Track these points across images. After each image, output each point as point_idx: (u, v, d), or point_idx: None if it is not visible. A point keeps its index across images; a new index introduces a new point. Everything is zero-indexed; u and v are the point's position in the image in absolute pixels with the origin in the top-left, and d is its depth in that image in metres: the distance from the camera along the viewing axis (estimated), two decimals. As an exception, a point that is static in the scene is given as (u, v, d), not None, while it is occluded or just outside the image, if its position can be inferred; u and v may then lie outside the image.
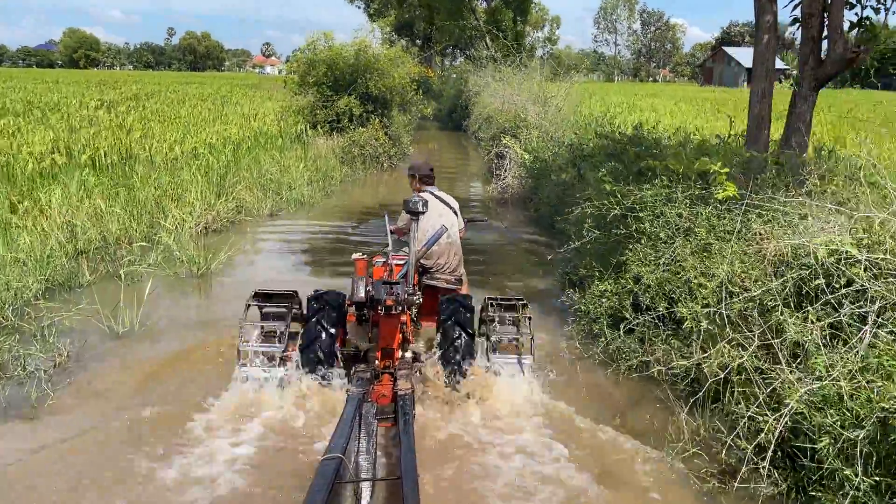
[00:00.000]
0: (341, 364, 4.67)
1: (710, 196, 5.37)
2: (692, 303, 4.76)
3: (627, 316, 5.22)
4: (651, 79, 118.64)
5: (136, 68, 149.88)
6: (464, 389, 4.61)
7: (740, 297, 4.61)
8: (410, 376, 4.48)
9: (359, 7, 53.32)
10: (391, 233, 5.64)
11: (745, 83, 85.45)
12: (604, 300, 5.38)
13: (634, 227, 5.35)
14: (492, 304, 4.98)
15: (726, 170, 5.11)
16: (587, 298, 5.54)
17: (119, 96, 26.75)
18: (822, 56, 6.99)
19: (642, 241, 5.40)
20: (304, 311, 4.88)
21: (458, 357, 4.63)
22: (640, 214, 5.30)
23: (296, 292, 4.99)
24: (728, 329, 4.53)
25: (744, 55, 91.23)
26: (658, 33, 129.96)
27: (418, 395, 4.52)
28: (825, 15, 6.84)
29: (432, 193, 5.72)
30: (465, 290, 5.82)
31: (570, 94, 16.49)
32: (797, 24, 7.29)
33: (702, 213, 5.12)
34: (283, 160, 13.70)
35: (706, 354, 4.66)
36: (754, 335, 4.46)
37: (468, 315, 4.77)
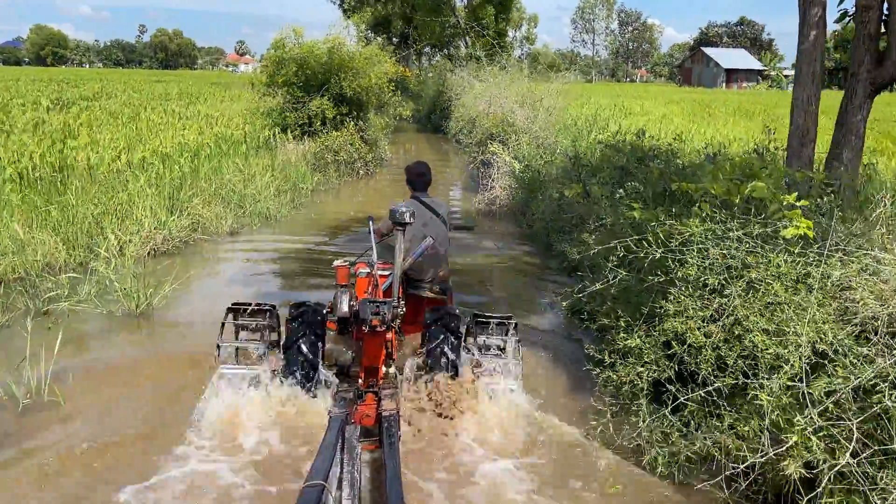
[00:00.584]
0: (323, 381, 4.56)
1: (768, 230, 4.23)
2: (764, 376, 3.63)
3: (671, 388, 4.06)
4: (628, 79, 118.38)
5: (105, 66, 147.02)
6: (452, 398, 4.37)
7: (831, 372, 3.50)
8: (396, 395, 4.32)
9: (333, 2, 52.01)
10: (373, 234, 5.31)
11: (724, 84, 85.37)
12: (641, 367, 4.21)
13: (677, 272, 4.18)
14: (479, 321, 4.86)
15: (805, 202, 3.98)
16: (619, 365, 4.36)
17: (77, 95, 25.17)
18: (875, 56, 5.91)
19: (685, 289, 4.25)
20: (282, 327, 4.81)
21: (447, 352, 4.52)
22: (686, 256, 4.13)
23: (274, 306, 4.87)
24: (812, 412, 3.43)
25: (722, 56, 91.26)
26: (635, 33, 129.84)
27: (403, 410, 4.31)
28: (885, 7, 5.76)
29: (420, 200, 5.43)
30: (451, 300, 5.62)
31: (561, 96, 15.35)
32: (847, 20, 6.21)
33: (768, 256, 3.98)
34: (247, 169, 12.42)
35: (783, 448, 3.54)
36: (852, 424, 3.36)
37: (455, 324, 4.66)
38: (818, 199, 4.86)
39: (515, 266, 9.07)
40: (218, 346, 4.63)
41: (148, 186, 9.60)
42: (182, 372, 5.38)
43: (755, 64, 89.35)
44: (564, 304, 6.11)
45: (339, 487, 3.43)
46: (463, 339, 4.72)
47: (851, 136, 5.98)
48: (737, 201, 4.78)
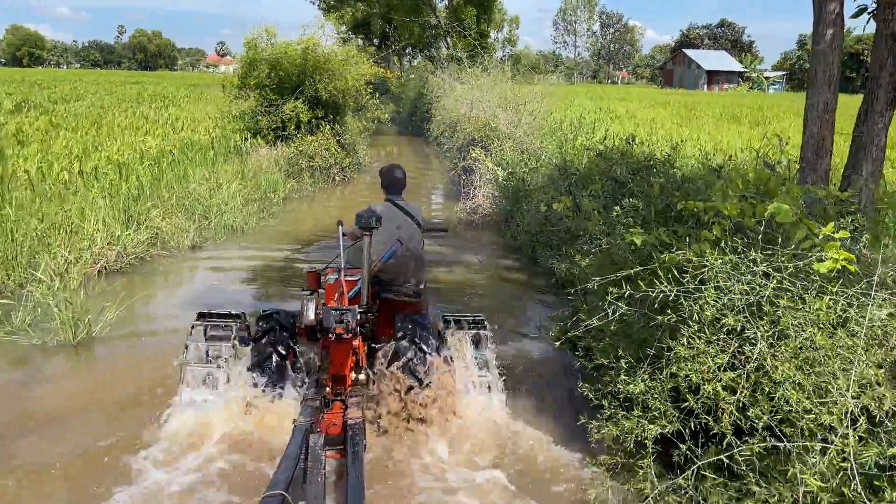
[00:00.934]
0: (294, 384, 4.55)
1: (799, 262, 3.60)
2: (800, 442, 3.00)
3: (682, 447, 3.43)
4: (610, 80, 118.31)
5: (83, 67, 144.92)
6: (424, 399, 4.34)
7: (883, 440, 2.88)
8: (362, 404, 4.30)
9: (313, 3, 51.24)
10: (341, 238, 4.91)
11: (705, 86, 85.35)
12: (648, 422, 3.55)
13: (691, 312, 3.54)
14: (447, 321, 4.96)
15: (845, 233, 3.35)
16: (621, 417, 3.70)
17: (45, 98, 24.21)
18: None
19: (698, 328, 3.61)
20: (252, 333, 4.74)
21: (417, 368, 4.46)
22: (704, 294, 3.47)
23: (244, 313, 4.88)
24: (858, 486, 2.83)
25: (703, 57, 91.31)
26: (617, 35, 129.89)
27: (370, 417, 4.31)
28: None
29: (394, 203, 5.34)
30: (426, 303, 5.56)
31: (545, 98, 14.72)
32: (868, 18, 5.63)
33: (801, 294, 3.35)
34: (214, 177, 11.69)
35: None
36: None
37: (424, 333, 4.63)
38: (839, 221, 4.25)
39: (499, 282, 8.44)
40: (186, 346, 4.62)
41: (101, 198, 8.84)
42: (114, 416, 4.69)
43: (736, 66, 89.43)
44: (553, 334, 5.50)
45: (305, 497, 3.32)
46: (435, 345, 4.65)
47: (872, 146, 5.37)
48: (752, 224, 4.16)
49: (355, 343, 4.34)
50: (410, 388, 4.38)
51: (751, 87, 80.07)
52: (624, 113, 21.66)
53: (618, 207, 5.17)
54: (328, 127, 15.75)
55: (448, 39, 31.01)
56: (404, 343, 4.56)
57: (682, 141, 12.47)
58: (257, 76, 15.45)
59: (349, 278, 4.67)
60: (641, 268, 3.91)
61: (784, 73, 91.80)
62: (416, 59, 46.72)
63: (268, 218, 11.49)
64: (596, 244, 5.53)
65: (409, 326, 4.64)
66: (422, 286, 5.43)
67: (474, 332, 4.86)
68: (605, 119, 18.59)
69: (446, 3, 36.15)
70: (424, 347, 4.55)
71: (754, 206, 4.25)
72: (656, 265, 3.84)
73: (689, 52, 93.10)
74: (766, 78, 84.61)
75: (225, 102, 17.24)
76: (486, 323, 4.93)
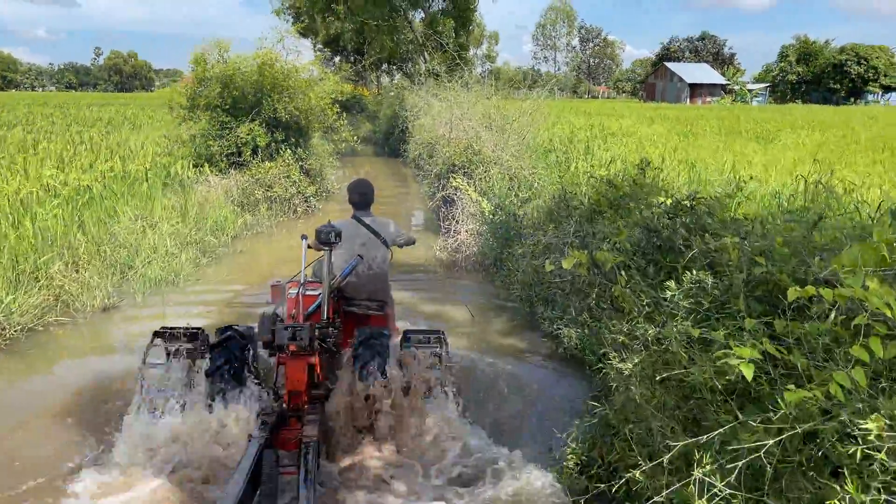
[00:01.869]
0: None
1: None
2: None
3: None
4: (589, 95, 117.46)
5: (58, 89, 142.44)
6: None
7: None
8: (319, 421, 4.12)
9: (286, 21, 49.60)
10: (304, 253, 4.90)
11: (688, 99, 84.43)
12: None
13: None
14: (409, 336, 4.90)
15: None
16: None
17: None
18: None
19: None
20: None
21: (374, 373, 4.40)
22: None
23: (202, 329, 4.72)
24: None
25: (685, 71, 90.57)
26: (597, 49, 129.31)
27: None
28: None
29: (359, 220, 5.38)
30: (392, 319, 5.64)
31: (532, 115, 12.96)
32: None
33: None
34: (149, 214, 9.83)
35: None
36: None
37: (383, 342, 4.61)
38: None
39: (489, 352, 6.57)
40: (144, 361, 4.57)
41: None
42: None
43: (718, 78, 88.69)
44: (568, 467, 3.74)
45: None
46: (390, 356, 4.62)
47: None
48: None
49: (312, 359, 4.25)
50: (367, 396, 4.34)
51: (734, 100, 79.29)
52: (618, 129, 19.97)
53: (672, 285, 3.38)
54: (289, 151, 13.92)
55: (426, 54, 29.11)
56: (360, 350, 4.53)
57: (702, 164, 10.82)
58: (207, 95, 13.60)
59: (310, 293, 4.75)
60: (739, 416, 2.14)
61: (766, 85, 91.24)
62: (396, 77, 44.92)
63: (210, 263, 9.61)
64: (634, 327, 3.73)
65: (367, 334, 4.63)
66: (387, 301, 5.48)
67: (434, 346, 4.78)
68: (599, 136, 16.85)
69: (422, 16, 34.37)
70: (379, 356, 4.50)
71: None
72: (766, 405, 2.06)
73: (671, 66, 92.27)
74: (749, 90, 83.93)
75: (173, 125, 15.36)
76: (445, 339, 4.85)
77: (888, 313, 2.41)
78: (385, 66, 42.42)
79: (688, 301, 3.25)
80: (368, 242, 5.31)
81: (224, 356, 4.49)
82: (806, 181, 5.95)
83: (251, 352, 4.65)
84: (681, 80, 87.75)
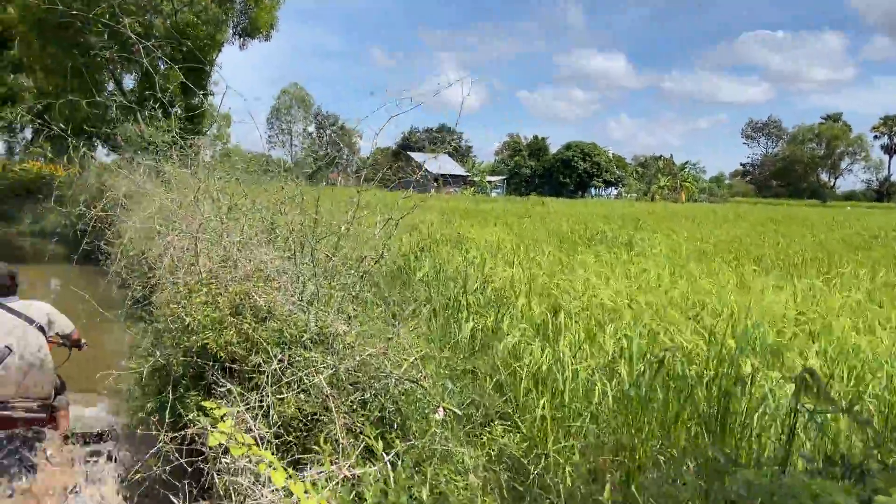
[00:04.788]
0: None
1: None
2: None
3: None
4: (328, 183, 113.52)
5: None
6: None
7: None
8: None
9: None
10: None
11: (434, 189, 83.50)
12: None
13: None
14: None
15: None
16: None
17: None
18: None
19: None
20: None
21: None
22: None
23: None
24: None
25: (429, 161, 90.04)
26: (334, 137, 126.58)
27: None
28: None
29: (5, 306, 4.86)
30: (64, 421, 5.09)
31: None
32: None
33: None
34: None
35: None
36: None
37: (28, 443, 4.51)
38: None
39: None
40: None
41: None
42: None
43: (459, 170, 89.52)
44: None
45: None
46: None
47: None
48: None
49: None
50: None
51: (475, 192, 79.76)
52: (472, 235, 14.13)
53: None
54: None
55: (138, 117, 20.90)
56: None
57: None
58: None
59: None
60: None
61: (503, 177, 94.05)
62: (100, 149, 35.10)
63: None
64: None
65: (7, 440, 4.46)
66: (54, 401, 5.02)
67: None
68: (462, 256, 10.69)
69: (136, 74, 25.74)
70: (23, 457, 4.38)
71: None
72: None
73: (415, 156, 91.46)
74: (489, 182, 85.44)
75: None
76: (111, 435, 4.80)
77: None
78: (89, 136, 32.81)
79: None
80: (15, 330, 4.80)
81: None
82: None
83: None
84: (426, 170, 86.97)
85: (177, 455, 3.74)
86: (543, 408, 3.93)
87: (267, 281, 4.97)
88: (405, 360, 4.27)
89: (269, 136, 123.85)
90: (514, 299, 6.41)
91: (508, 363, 4.50)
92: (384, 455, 3.66)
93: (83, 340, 5.43)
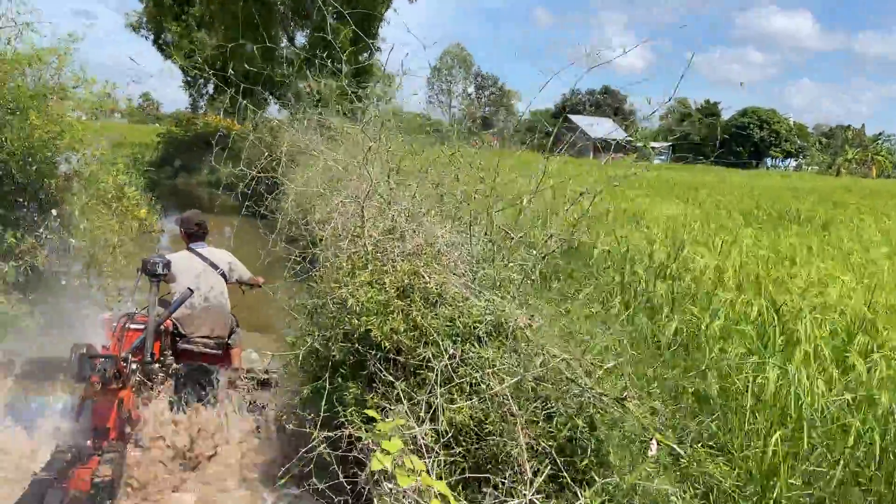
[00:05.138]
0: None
1: None
2: None
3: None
4: (486, 145, 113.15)
5: None
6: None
7: None
8: (118, 460, 3.88)
9: (145, 38, 40.94)
10: (137, 282, 4.91)
11: (591, 154, 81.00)
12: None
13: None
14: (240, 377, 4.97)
15: None
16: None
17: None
18: None
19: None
20: None
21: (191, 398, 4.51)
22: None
23: None
24: None
25: (588, 125, 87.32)
26: (493, 98, 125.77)
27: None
28: None
29: (194, 251, 5.35)
30: (236, 358, 5.42)
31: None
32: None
33: None
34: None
35: None
36: None
37: (207, 378, 4.75)
38: None
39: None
40: None
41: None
42: None
43: (621, 134, 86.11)
44: None
45: None
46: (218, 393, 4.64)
47: None
48: None
49: (121, 394, 4.00)
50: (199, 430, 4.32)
51: (637, 159, 76.58)
52: (627, 208, 13.18)
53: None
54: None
55: (309, 72, 20.72)
56: (180, 385, 4.55)
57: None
58: None
59: (135, 327, 4.49)
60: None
61: (669, 144, 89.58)
62: (272, 106, 36.27)
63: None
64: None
65: (190, 369, 4.69)
66: (229, 339, 5.31)
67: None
68: (618, 221, 9.91)
69: (307, 31, 26.24)
70: (202, 389, 4.58)
71: None
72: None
73: (576, 119, 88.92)
74: (654, 149, 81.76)
75: None
76: (274, 381, 4.87)
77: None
78: (263, 91, 34.02)
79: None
80: (203, 274, 5.19)
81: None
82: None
83: None
84: (583, 132, 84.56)
85: (332, 459, 3.27)
86: (776, 444, 3.10)
87: (437, 257, 4.39)
88: (598, 365, 3.56)
89: (429, 97, 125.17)
90: (715, 292, 5.49)
91: (726, 375, 3.68)
92: (575, 487, 3.00)
93: (261, 279, 5.76)
